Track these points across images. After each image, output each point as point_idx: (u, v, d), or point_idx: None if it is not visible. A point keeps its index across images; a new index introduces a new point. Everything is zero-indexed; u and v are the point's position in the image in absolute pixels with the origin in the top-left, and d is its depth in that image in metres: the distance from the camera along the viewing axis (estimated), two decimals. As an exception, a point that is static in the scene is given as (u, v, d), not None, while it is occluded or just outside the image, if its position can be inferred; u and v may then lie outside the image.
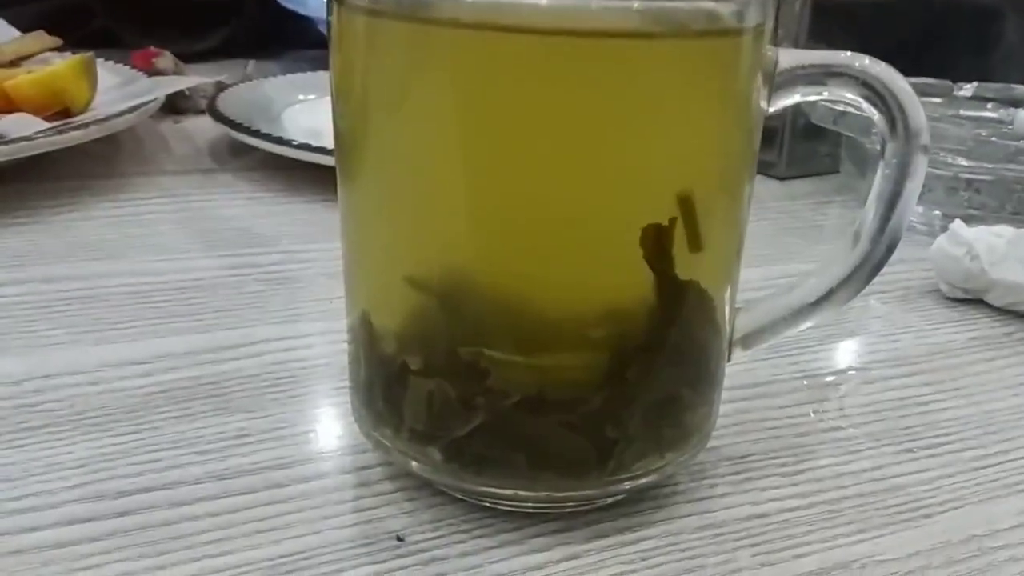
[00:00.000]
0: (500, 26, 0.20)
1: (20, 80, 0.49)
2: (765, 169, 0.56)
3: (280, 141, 0.48)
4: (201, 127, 0.57)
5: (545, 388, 0.22)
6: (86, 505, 0.24)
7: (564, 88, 0.20)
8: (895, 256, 0.25)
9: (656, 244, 0.22)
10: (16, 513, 0.23)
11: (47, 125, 0.45)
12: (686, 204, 0.22)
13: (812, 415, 0.30)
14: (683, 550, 0.24)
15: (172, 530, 0.23)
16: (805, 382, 0.32)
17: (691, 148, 0.22)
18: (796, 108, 0.55)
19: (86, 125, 0.45)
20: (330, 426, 0.28)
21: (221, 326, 0.34)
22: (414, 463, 0.24)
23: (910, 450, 0.28)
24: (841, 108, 0.49)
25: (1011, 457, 0.28)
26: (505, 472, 0.23)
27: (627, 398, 0.23)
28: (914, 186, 0.24)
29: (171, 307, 0.35)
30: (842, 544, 0.24)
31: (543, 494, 0.23)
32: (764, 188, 0.54)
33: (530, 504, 0.24)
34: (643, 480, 0.24)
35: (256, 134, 0.49)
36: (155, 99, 0.50)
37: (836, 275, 0.25)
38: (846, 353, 0.35)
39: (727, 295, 0.25)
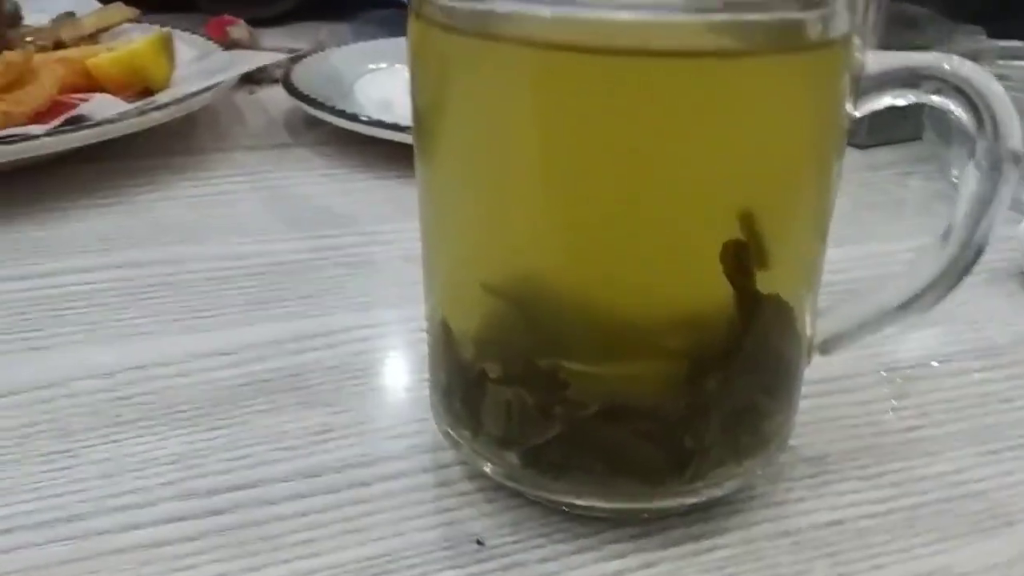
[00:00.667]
0: (576, 47, 0.20)
1: (101, 59, 0.50)
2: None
3: (353, 118, 0.48)
4: (275, 98, 0.57)
5: (623, 398, 0.23)
6: (180, 503, 0.25)
7: (645, 107, 0.20)
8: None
9: (736, 260, 0.21)
10: (116, 511, 0.25)
11: (128, 106, 0.46)
12: (748, 222, 0.21)
13: (891, 413, 0.30)
14: (759, 559, 0.24)
15: (263, 530, 0.24)
16: (884, 374, 0.32)
17: (774, 163, 0.22)
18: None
19: (166, 105, 0.46)
20: (410, 421, 0.28)
21: (302, 314, 0.34)
22: (491, 466, 0.25)
23: (993, 451, 0.28)
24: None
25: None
26: (582, 480, 0.23)
27: (705, 408, 0.23)
28: (1006, 191, 0.24)
29: (255, 292, 0.36)
30: (921, 555, 0.24)
31: (620, 505, 0.24)
32: (845, 161, 0.53)
33: (607, 511, 0.24)
34: (720, 488, 0.24)
35: (330, 110, 0.49)
36: (232, 77, 0.51)
37: (922, 280, 0.25)
38: (927, 342, 0.34)
39: (808, 301, 0.25)
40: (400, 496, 0.25)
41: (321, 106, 0.50)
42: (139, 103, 0.47)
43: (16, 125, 0.43)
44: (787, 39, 0.21)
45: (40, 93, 0.45)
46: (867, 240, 0.42)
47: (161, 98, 0.48)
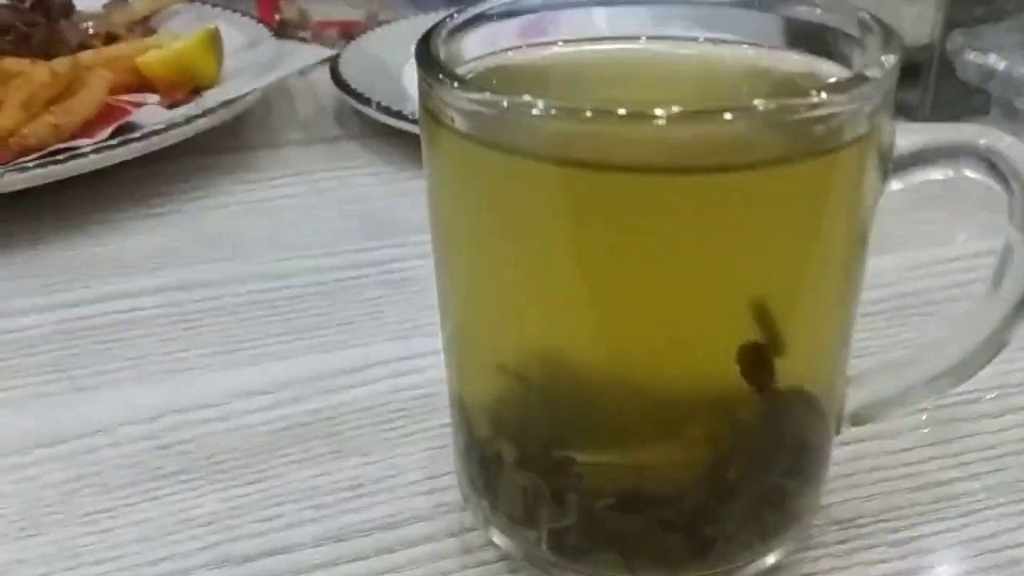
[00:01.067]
0: (597, 164, 0.19)
1: (150, 58, 0.50)
2: (906, 112, 0.52)
3: (397, 115, 0.48)
4: (326, 81, 0.57)
5: (641, 487, 0.23)
6: (216, 572, 0.26)
7: (665, 219, 0.19)
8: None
9: (754, 362, 0.21)
10: (153, 579, 0.26)
11: (176, 113, 0.46)
12: (767, 321, 0.21)
13: (929, 463, 0.29)
14: (780, 641, 0.24)
15: (291, 602, 0.25)
16: (924, 417, 0.31)
17: (795, 262, 0.21)
18: (942, 46, 0.51)
19: (214, 110, 0.46)
20: (440, 475, 0.29)
21: (340, 344, 0.35)
22: (509, 542, 0.25)
23: (1034, 512, 0.27)
24: (991, 64, 0.45)
25: None
26: (601, 563, 0.24)
27: (727, 495, 0.23)
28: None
29: (295, 320, 0.36)
30: (948, 637, 0.24)
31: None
32: (903, 139, 0.51)
33: (628, 591, 0.24)
34: (744, 570, 0.24)
35: (374, 106, 0.49)
36: (279, 77, 0.50)
37: (967, 346, 0.24)
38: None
39: (836, 381, 0.24)
40: (426, 564, 0.26)
41: (366, 101, 0.50)
42: (187, 108, 0.47)
43: (67, 136, 0.44)
44: (808, 145, 0.20)
45: (90, 100, 0.46)
46: (923, 246, 0.41)
47: (209, 100, 0.48)
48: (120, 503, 0.28)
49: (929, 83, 0.52)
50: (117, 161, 0.43)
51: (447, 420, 0.30)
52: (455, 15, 0.23)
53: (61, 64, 0.45)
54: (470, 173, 0.22)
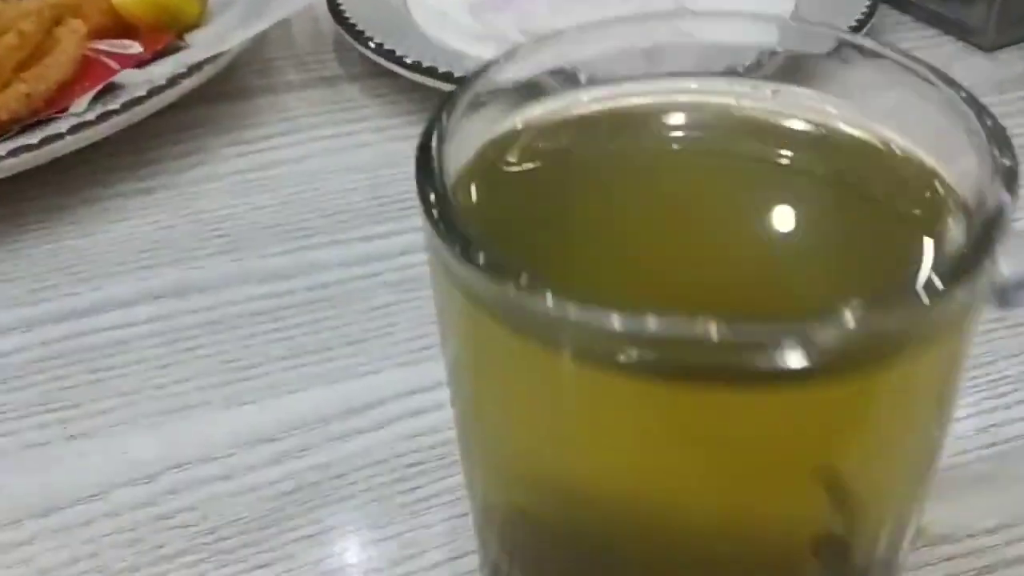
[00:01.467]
0: (634, 370, 0.16)
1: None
2: (967, 35, 0.47)
3: (398, 61, 0.43)
4: (324, 5, 0.52)
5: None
6: None
7: (727, 437, 0.16)
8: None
9: (826, 551, 0.18)
10: None
11: (159, 73, 0.41)
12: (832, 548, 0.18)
13: (1000, 531, 0.26)
14: None
15: None
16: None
17: (886, 455, 0.18)
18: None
19: (200, 66, 0.41)
20: (463, 555, 0.27)
21: (348, 372, 0.32)
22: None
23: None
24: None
25: None
26: None
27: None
28: None
29: (300, 338, 0.33)
30: None
31: None
32: (965, 68, 0.46)
33: None
34: None
35: (375, 48, 0.44)
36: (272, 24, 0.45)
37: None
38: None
39: (919, 511, 0.21)
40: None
41: (366, 40, 0.45)
42: (170, 62, 0.42)
43: (40, 103, 0.40)
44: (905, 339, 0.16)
45: (64, 61, 0.41)
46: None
47: (194, 50, 0.43)
48: (120, 594, 0.26)
49: (994, 1, 0.46)
50: (97, 139, 0.39)
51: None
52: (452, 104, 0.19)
53: (27, 23, 0.40)
54: (478, 331, 0.18)
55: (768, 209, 0.20)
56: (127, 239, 0.38)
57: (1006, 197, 0.17)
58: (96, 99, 0.41)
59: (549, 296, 0.15)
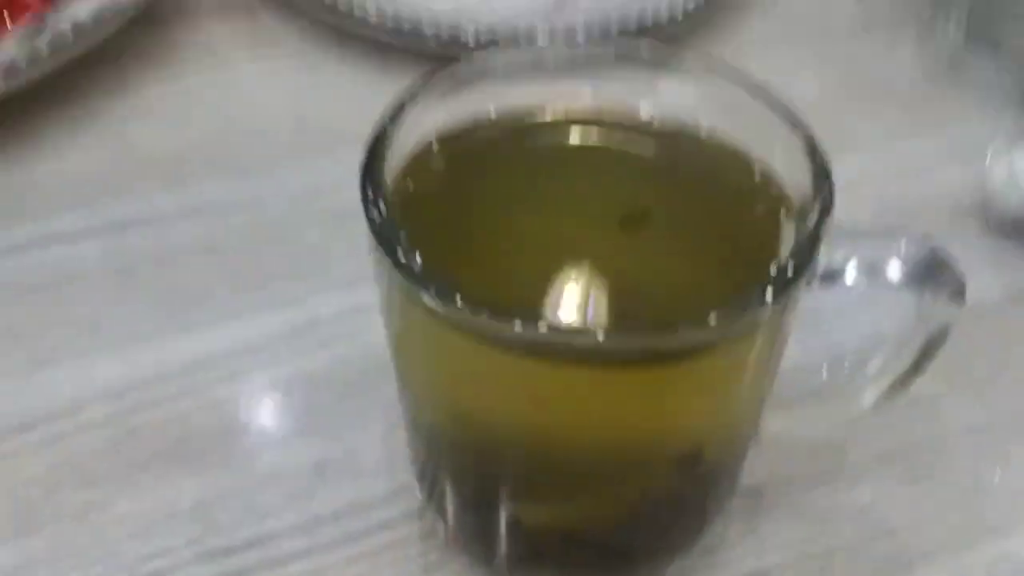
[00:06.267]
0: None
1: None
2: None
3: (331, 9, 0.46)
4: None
5: (578, 529, 0.26)
6: (202, 568, 0.29)
7: (598, 403, 0.21)
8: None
9: (685, 465, 0.24)
10: (150, 578, 0.29)
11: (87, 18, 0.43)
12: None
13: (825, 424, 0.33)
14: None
15: (275, 594, 0.29)
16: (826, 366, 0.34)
17: (727, 409, 0.23)
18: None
19: (124, 7, 0.43)
20: (398, 455, 0.31)
21: (289, 298, 0.36)
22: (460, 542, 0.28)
23: (913, 477, 0.31)
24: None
25: (1005, 484, 0.31)
26: (543, 573, 0.27)
27: (656, 530, 0.26)
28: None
29: (240, 268, 0.37)
30: (828, 609, 0.29)
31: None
32: (838, 8, 0.51)
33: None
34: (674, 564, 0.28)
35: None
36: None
37: (865, 395, 0.27)
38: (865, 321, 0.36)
39: (755, 429, 0.27)
40: (388, 552, 0.29)
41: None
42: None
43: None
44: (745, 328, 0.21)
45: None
46: (876, 146, 0.42)
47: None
48: (103, 496, 0.31)
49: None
50: (28, 81, 0.41)
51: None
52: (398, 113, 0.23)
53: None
54: (412, 317, 0.23)
55: (646, 216, 0.24)
56: (64, 174, 0.41)
57: (825, 221, 0.22)
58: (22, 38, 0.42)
59: (458, 299, 0.20)
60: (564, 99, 0.25)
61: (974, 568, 0.30)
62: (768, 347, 0.23)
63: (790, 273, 0.21)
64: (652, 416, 0.22)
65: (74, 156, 0.41)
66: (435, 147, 0.25)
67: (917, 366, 0.25)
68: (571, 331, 0.20)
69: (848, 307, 0.36)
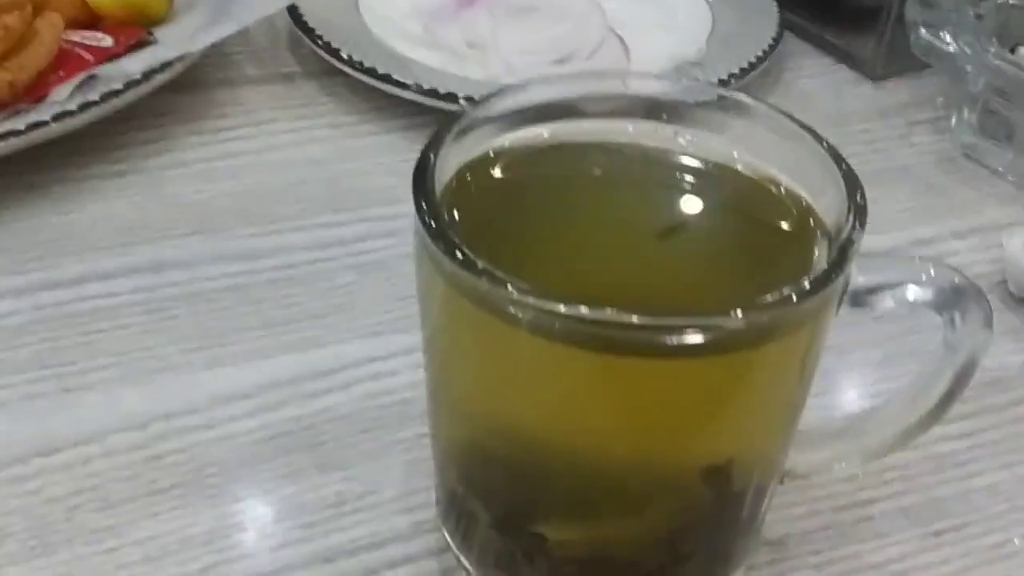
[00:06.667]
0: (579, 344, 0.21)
1: (99, -5, 0.49)
2: (859, 66, 0.54)
3: (352, 64, 0.48)
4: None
5: (603, 554, 0.26)
6: (217, 598, 0.29)
7: (631, 395, 0.22)
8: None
9: (715, 478, 0.24)
10: (162, 605, 0.29)
11: (133, 68, 0.45)
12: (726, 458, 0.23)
13: (851, 482, 0.33)
14: (714, 665, 0.28)
15: (289, 629, 0.28)
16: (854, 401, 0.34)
17: (754, 419, 0.24)
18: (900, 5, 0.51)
19: (171, 64, 0.45)
20: (419, 490, 0.31)
21: (315, 341, 0.37)
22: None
23: (937, 532, 0.31)
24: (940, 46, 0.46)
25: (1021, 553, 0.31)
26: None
27: (681, 560, 0.26)
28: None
29: (269, 311, 0.38)
30: (854, 662, 0.28)
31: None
32: (855, 95, 0.52)
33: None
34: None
35: (328, 49, 0.49)
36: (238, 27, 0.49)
37: (892, 427, 0.27)
38: (894, 382, 0.36)
39: (782, 465, 0.27)
40: (407, 586, 0.29)
41: (317, 40, 0.49)
42: (143, 57, 0.46)
43: (21, 91, 0.43)
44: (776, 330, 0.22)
45: (44, 53, 0.44)
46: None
47: (164, 46, 0.47)
48: (121, 521, 0.30)
49: (884, 37, 0.53)
50: (78, 127, 0.43)
51: (420, 430, 0.33)
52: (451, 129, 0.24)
53: (11, 19, 0.44)
54: (456, 310, 0.23)
55: (682, 229, 0.25)
56: (104, 218, 0.42)
57: (857, 231, 0.23)
58: (75, 89, 0.44)
59: (510, 286, 0.21)
60: (608, 130, 0.26)
61: (1004, 628, 0.29)
62: (801, 353, 0.23)
63: (826, 272, 0.21)
64: (685, 414, 0.22)
65: (116, 203, 0.43)
66: (487, 162, 0.25)
67: (945, 401, 0.25)
68: (618, 313, 0.20)
69: (877, 340, 0.37)
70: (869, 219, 0.43)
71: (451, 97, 0.46)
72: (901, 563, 0.30)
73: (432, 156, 0.23)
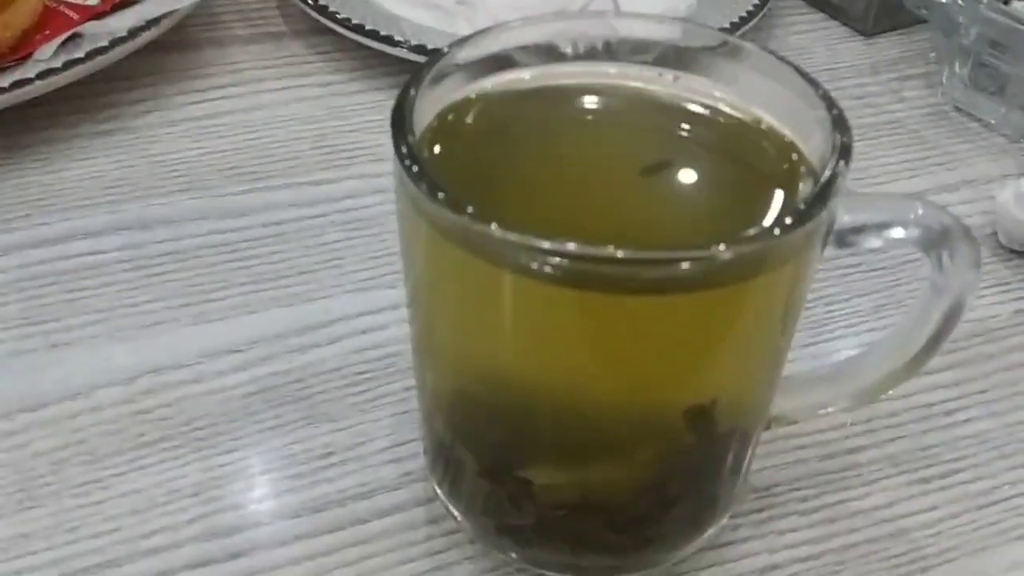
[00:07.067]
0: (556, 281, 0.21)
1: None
2: (850, 21, 0.53)
3: (339, 21, 0.47)
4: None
5: (589, 499, 0.26)
6: (204, 546, 0.29)
7: (615, 333, 0.22)
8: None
9: (699, 420, 0.24)
10: (149, 554, 0.28)
11: (120, 25, 0.45)
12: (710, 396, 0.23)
13: (840, 430, 0.33)
14: (700, 613, 0.28)
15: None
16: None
17: (737, 355, 0.23)
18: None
19: (158, 21, 0.45)
20: (407, 440, 0.31)
21: (303, 296, 0.37)
22: (467, 524, 0.28)
23: (925, 480, 0.31)
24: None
25: (1018, 491, 0.31)
26: (552, 553, 0.27)
27: (667, 505, 0.26)
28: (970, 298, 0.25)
29: (257, 267, 0.38)
30: (840, 606, 0.28)
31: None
32: (846, 50, 0.52)
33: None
34: (681, 551, 0.28)
35: (316, 7, 0.48)
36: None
37: (877, 374, 0.27)
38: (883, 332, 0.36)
39: (768, 408, 0.27)
40: (396, 535, 0.29)
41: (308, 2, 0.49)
42: (130, 14, 0.46)
43: (6, 49, 0.43)
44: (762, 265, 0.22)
45: (28, 11, 0.44)
46: (857, 184, 0.43)
47: (152, 7, 0.46)
48: (108, 473, 0.30)
49: (874, -9, 0.52)
50: (62, 85, 0.42)
51: (408, 383, 0.33)
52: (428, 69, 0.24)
53: (-5, -24, 0.43)
54: (439, 254, 0.23)
55: (667, 166, 0.25)
56: (91, 177, 0.42)
57: (842, 165, 0.22)
58: (59, 48, 0.44)
59: (493, 224, 0.20)
60: (591, 72, 0.26)
61: (992, 571, 0.29)
62: (785, 291, 0.23)
63: (809, 206, 0.21)
64: (668, 351, 0.22)
65: (103, 162, 0.42)
66: (468, 104, 0.25)
67: (934, 341, 0.25)
68: (601, 248, 0.20)
69: (863, 282, 0.37)
70: (861, 174, 0.44)
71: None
72: (889, 509, 0.30)
73: (411, 98, 0.23)
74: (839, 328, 0.36)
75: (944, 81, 0.48)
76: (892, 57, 0.52)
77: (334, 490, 0.30)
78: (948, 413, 0.33)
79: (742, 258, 0.21)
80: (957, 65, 0.47)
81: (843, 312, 0.37)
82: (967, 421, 0.33)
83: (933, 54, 0.51)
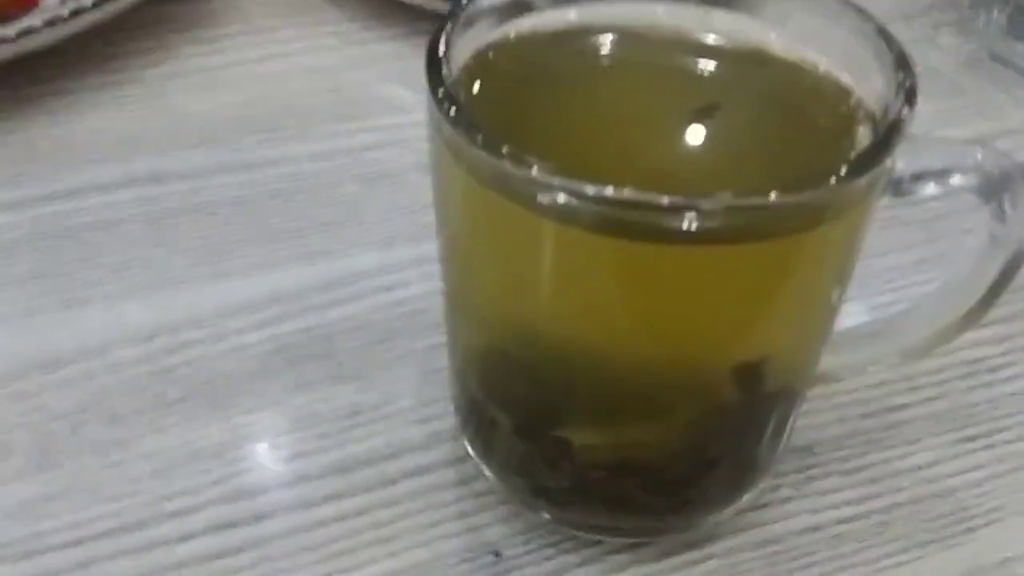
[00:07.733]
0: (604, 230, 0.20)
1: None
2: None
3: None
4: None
5: (628, 460, 0.25)
6: (228, 508, 0.28)
7: (664, 285, 0.20)
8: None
9: (747, 377, 0.23)
10: (171, 517, 0.28)
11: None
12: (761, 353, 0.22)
13: (880, 387, 0.31)
14: (742, 572, 0.27)
15: (305, 539, 0.27)
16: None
17: (790, 311, 0.22)
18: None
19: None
20: (433, 400, 0.30)
21: (325, 252, 0.35)
22: (500, 484, 0.27)
23: (970, 438, 0.30)
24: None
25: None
26: (587, 515, 0.26)
27: (707, 466, 0.25)
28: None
29: (278, 223, 0.36)
30: (886, 566, 0.27)
31: (624, 538, 0.27)
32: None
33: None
34: (720, 514, 0.27)
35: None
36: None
37: (929, 329, 0.26)
38: (928, 286, 0.35)
39: (815, 366, 0.26)
40: (425, 496, 0.28)
41: (326, -51, 0.47)
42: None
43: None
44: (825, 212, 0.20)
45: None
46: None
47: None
48: (128, 434, 0.30)
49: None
50: (70, 33, 0.41)
51: (434, 340, 0.32)
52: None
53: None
54: (477, 203, 0.22)
55: (715, 110, 0.24)
56: (102, 130, 0.40)
57: (906, 109, 0.21)
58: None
59: (535, 168, 0.19)
60: (638, 12, 0.24)
61: (1040, 530, 0.28)
62: (844, 243, 0.21)
63: (872, 152, 0.20)
64: (719, 306, 0.21)
65: (114, 115, 0.41)
66: (507, 46, 0.24)
67: (993, 293, 0.24)
68: (648, 194, 0.19)
69: (908, 244, 0.36)
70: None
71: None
72: (931, 469, 0.30)
73: (446, 39, 0.22)
74: (879, 283, 0.35)
75: (980, 28, 0.46)
76: (925, 4, 0.50)
77: (361, 450, 0.29)
78: (992, 370, 0.32)
79: (800, 208, 0.19)
80: (995, 11, 0.45)
81: (884, 266, 0.36)
82: (1012, 378, 0.32)
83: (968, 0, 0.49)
